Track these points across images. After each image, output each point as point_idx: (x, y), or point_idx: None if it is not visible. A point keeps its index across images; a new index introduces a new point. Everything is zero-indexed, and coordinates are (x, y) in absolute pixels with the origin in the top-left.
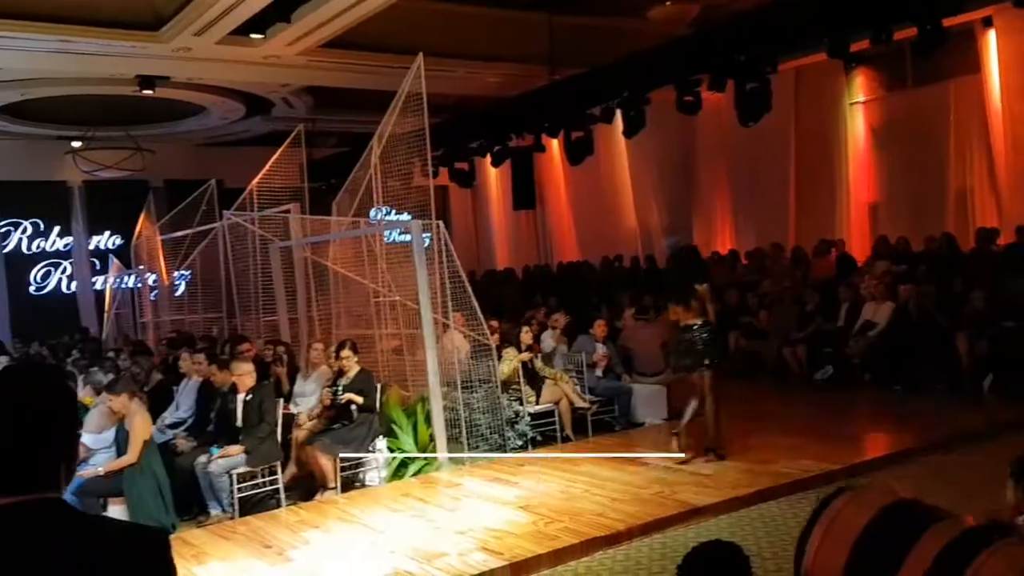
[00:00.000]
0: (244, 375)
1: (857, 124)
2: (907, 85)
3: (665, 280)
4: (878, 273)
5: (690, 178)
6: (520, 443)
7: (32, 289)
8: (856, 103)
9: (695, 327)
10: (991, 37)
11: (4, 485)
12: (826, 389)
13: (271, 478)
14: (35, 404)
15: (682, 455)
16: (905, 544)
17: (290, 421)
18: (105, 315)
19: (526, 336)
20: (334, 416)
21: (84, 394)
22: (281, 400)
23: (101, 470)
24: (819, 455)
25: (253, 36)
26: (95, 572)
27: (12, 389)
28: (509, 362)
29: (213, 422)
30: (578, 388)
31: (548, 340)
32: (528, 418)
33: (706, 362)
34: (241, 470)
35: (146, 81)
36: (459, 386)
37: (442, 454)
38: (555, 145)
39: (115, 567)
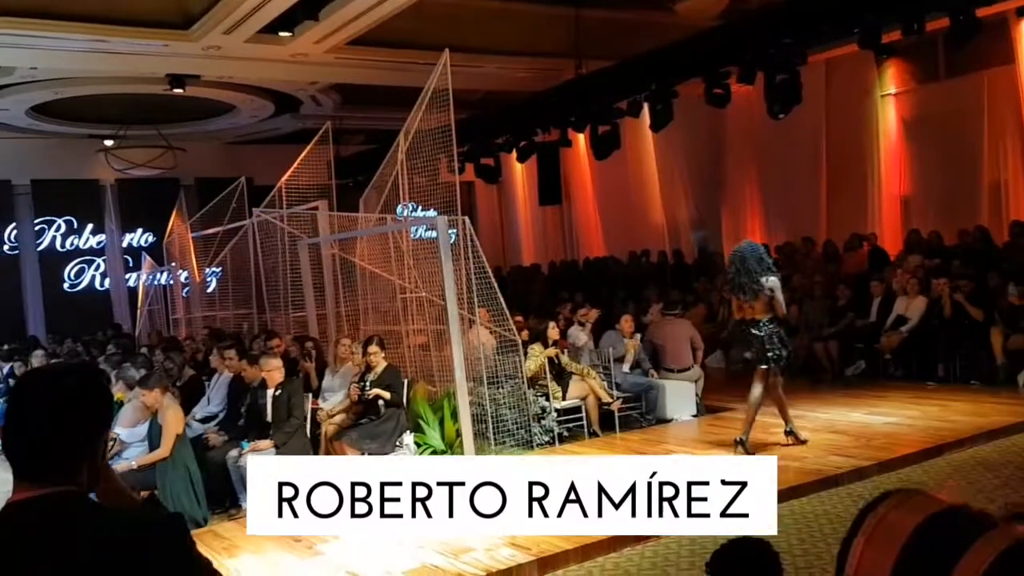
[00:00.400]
0: (273, 370)
1: (889, 116)
2: (939, 77)
3: (730, 272)
4: (911, 267)
5: (719, 172)
6: (547, 439)
7: (66, 286)
8: (888, 95)
9: (761, 323)
10: None
11: (26, 477)
12: (858, 384)
13: None
14: (64, 401)
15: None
16: (957, 550)
17: (316, 415)
18: (138, 312)
19: (553, 332)
20: (362, 411)
21: (117, 390)
22: (310, 395)
23: (134, 464)
24: (850, 451)
25: (281, 34)
26: (114, 562)
27: (45, 385)
28: (535, 358)
29: (243, 417)
30: (605, 384)
31: (581, 335)
32: (555, 414)
33: (771, 360)
34: None
35: (176, 80)
36: (485, 381)
37: (468, 449)
38: (581, 140)
39: (133, 555)
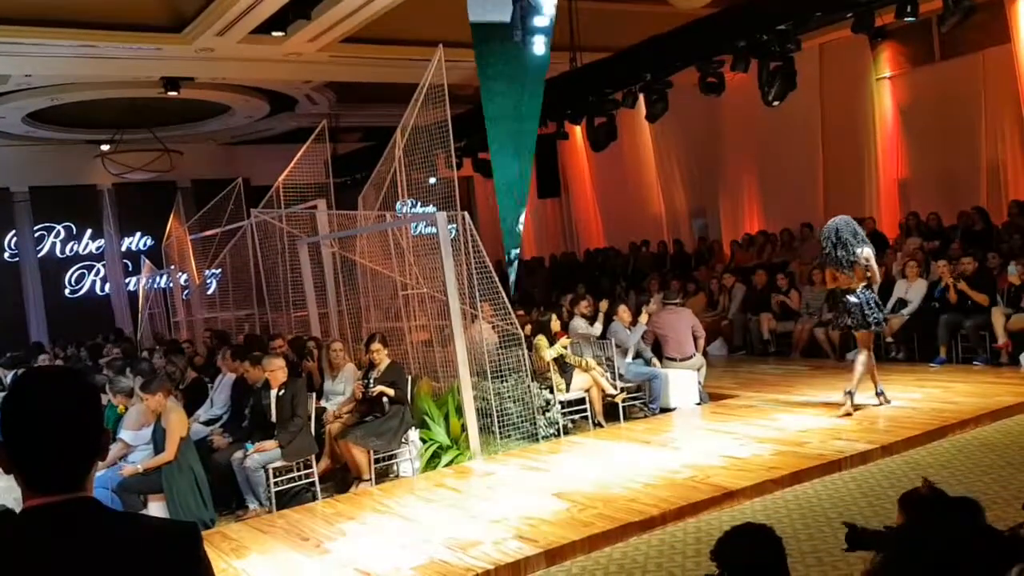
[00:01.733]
0: (276, 370)
1: (884, 100)
2: (935, 58)
3: (825, 247)
4: (910, 250)
5: (716, 160)
6: (552, 431)
7: (67, 292)
8: (883, 78)
9: (857, 291)
10: (1022, 6)
11: (44, 486)
12: None
13: (306, 471)
14: (81, 405)
15: (850, 412)
16: None
17: (323, 415)
18: (139, 315)
19: (555, 324)
20: (366, 409)
21: (117, 402)
22: (313, 394)
23: (140, 467)
24: (853, 435)
25: (274, 34)
26: (130, 568)
27: (59, 391)
28: (553, 348)
29: (247, 418)
30: (608, 375)
31: (597, 325)
32: (559, 406)
33: (874, 322)
34: (277, 464)
35: (171, 82)
36: (489, 376)
37: (474, 444)
38: (578, 132)
39: (149, 562)
